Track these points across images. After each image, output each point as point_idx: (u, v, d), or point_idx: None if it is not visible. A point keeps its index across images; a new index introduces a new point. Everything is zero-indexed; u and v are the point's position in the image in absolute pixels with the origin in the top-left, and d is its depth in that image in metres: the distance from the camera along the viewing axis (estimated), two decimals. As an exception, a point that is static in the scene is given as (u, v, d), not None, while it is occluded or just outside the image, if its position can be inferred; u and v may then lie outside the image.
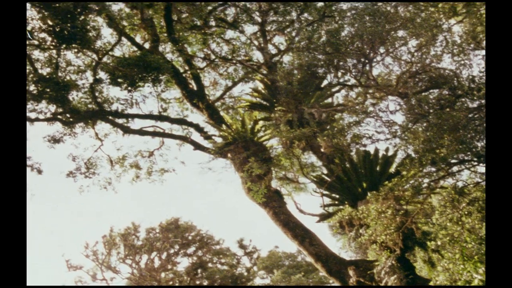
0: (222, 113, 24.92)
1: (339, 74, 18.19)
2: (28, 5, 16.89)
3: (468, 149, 12.86)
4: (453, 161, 13.50)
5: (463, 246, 12.25)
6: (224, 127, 22.63)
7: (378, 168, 19.24)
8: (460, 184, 13.80)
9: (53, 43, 18.41)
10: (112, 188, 25.16)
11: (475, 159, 13.02)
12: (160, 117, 24.53)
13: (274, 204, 20.33)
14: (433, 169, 14.01)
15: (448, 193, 13.60)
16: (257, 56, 27.26)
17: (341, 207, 19.81)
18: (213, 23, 25.30)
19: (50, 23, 17.35)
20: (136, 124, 24.91)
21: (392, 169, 19.20)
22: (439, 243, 13.58)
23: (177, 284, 40.99)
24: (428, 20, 15.22)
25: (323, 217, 20.92)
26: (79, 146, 24.00)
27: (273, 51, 25.36)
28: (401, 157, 17.69)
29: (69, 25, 17.24)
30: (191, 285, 41.27)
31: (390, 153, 19.11)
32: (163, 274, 41.44)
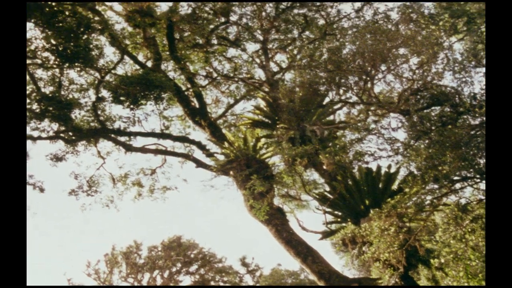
0: (224, 131, 24.95)
1: (341, 91, 18.24)
2: (31, 24, 17.04)
3: (470, 166, 12.83)
4: (455, 178, 13.46)
5: (467, 263, 12.18)
6: (226, 144, 22.65)
7: (380, 185, 19.19)
8: (463, 201, 13.74)
9: (56, 62, 18.54)
10: (114, 206, 25.14)
11: (477, 176, 12.98)
12: (162, 135, 24.56)
13: (277, 221, 20.25)
14: (436, 186, 13.97)
15: (451, 210, 13.53)
16: (259, 73, 27.40)
17: (343, 224, 19.74)
18: (215, 41, 25.46)
19: (54, 42, 17.48)
20: (138, 142, 24.98)
21: (394, 186, 19.14)
22: (442, 260, 13.50)
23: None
24: (429, 38, 15.30)
25: (326, 235, 20.82)
26: (81, 164, 24.08)
27: (275, 68, 25.48)
28: (404, 174, 17.65)
29: (72, 44, 17.37)
30: (190, 285, 41.01)
31: (393, 170, 19.08)
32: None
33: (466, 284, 11.91)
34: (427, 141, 13.82)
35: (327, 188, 20.72)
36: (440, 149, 13.11)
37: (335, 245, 27.86)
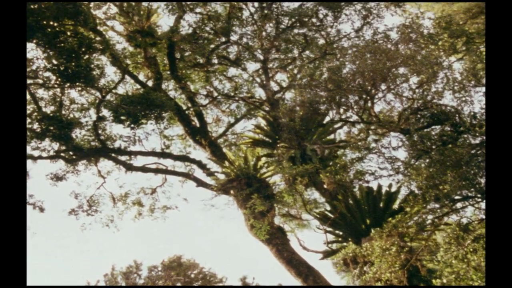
0: (224, 150, 24.95)
1: (341, 110, 18.27)
2: (33, 45, 17.16)
3: (471, 186, 12.80)
4: (456, 197, 13.42)
5: (469, 284, 12.08)
6: (226, 163, 22.63)
7: (381, 205, 19.13)
8: (464, 220, 13.68)
9: (58, 82, 18.63)
10: (114, 226, 25.04)
11: (478, 195, 12.94)
12: (163, 154, 24.56)
13: (277, 241, 20.15)
14: (437, 205, 13.93)
15: (453, 230, 13.47)
16: (260, 93, 27.46)
17: (345, 244, 19.64)
18: (215, 60, 25.58)
19: (55, 62, 17.58)
20: (138, 161, 24.97)
21: (395, 206, 19.09)
22: (445, 281, 13.38)
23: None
24: (428, 58, 15.37)
25: (327, 254, 20.71)
26: (81, 184, 23.97)
27: (275, 88, 25.55)
28: (404, 193, 17.63)
29: (73, 64, 17.46)
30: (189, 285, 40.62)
31: (393, 189, 19.03)
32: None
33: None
34: (427, 160, 13.81)
35: (328, 207, 20.66)
36: (440, 168, 13.09)
37: (336, 265, 27.68)
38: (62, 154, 21.71)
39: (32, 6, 16.26)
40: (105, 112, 21.37)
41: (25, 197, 18.93)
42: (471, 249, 12.80)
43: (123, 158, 23.69)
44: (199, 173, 25.51)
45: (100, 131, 22.40)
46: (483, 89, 14.30)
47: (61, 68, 17.57)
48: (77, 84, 18.67)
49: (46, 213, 20.91)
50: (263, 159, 23.02)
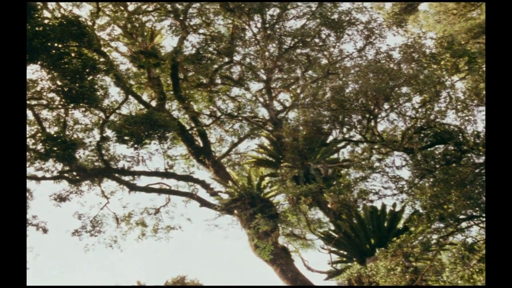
0: (228, 170, 24.92)
1: (344, 130, 18.28)
2: (37, 66, 17.30)
3: (476, 205, 12.75)
4: (461, 217, 13.36)
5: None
6: (230, 183, 22.59)
7: (386, 224, 19.03)
8: (469, 240, 13.59)
9: (62, 103, 18.73)
10: (117, 246, 24.93)
11: (483, 215, 12.88)
12: (167, 174, 24.56)
13: (281, 261, 20.03)
14: (442, 225, 13.86)
15: (458, 249, 13.37)
16: (263, 112, 27.51)
17: (349, 264, 19.49)
18: (219, 80, 25.67)
19: (59, 83, 17.70)
20: (142, 181, 24.96)
21: (400, 225, 18.98)
22: (450, 301, 13.25)
23: None
24: (431, 77, 15.42)
25: (332, 275, 20.56)
26: (85, 204, 23.92)
27: (279, 107, 25.61)
28: (409, 212, 17.54)
29: (77, 85, 17.56)
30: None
31: (398, 208, 18.94)
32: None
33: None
34: (431, 180, 13.78)
35: (332, 227, 20.55)
36: (445, 188, 13.06)
37: (341, 285, 27.46)
38: (66, 175, 21.74)
39: (37, 28, 16.43)
40: (108, 133, 21.45)
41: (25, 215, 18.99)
42: (477, 269, 12.69)
43: (126, 178, 23.68)
44: (202, 193, 25.46)
45: (103, 152, 22.43)
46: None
47: (65, 89, 17.68)
48: (81, 104, 18.77)
49: (49, 234, 20.89)
50: (267, 179, 22.98)
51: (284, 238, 23.93)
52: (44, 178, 21.14)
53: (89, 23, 20.00)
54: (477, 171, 13.12)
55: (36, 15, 16.76)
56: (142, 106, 25.14)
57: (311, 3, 22.96)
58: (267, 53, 23.97)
